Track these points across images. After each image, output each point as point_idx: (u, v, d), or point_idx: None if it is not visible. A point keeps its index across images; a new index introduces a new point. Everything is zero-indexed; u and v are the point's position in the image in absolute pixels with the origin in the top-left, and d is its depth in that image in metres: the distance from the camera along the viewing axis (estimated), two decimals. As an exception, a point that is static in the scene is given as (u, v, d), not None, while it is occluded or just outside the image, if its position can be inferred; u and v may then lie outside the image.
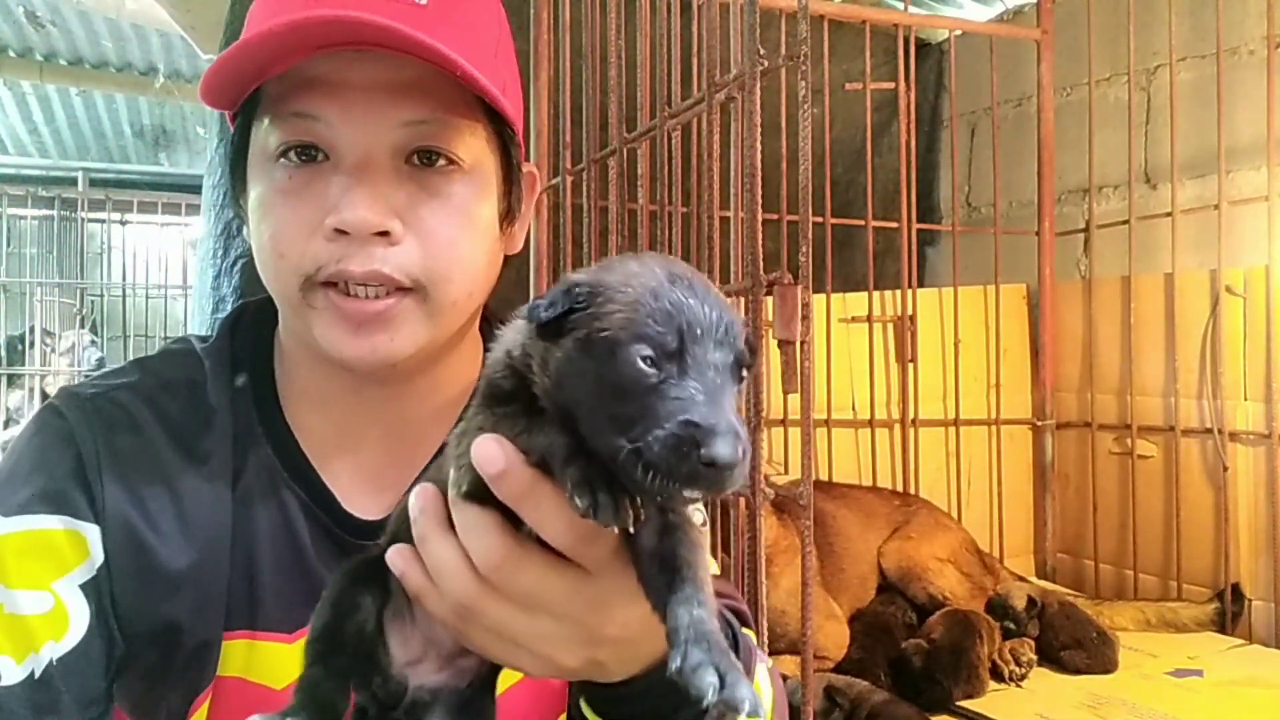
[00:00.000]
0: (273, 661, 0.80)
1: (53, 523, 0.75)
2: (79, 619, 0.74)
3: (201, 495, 0.79)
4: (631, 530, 0.51)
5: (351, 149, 0.74)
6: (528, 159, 0.89)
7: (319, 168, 0.74)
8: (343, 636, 0.63)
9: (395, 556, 0.62)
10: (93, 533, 0.75)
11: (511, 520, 0.57)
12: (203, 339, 0.88)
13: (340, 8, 0.69)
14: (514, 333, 0.59)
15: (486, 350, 0.92)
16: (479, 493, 0.56)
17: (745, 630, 0.82)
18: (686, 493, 0.49)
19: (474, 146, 0.78)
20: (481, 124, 0.79)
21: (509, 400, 0.57)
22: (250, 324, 0.88)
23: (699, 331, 0.50)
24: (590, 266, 0.57)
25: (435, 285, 0.76)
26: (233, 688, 0.79)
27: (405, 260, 0.74)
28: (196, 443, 0.80)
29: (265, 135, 0.75)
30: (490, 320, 0.95)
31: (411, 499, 0.62)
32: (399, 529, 0.65)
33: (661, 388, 0.49)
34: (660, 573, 0.54)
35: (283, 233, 0.75)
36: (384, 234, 0.73)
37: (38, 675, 0.71)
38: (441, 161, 0.76)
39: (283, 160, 0.75)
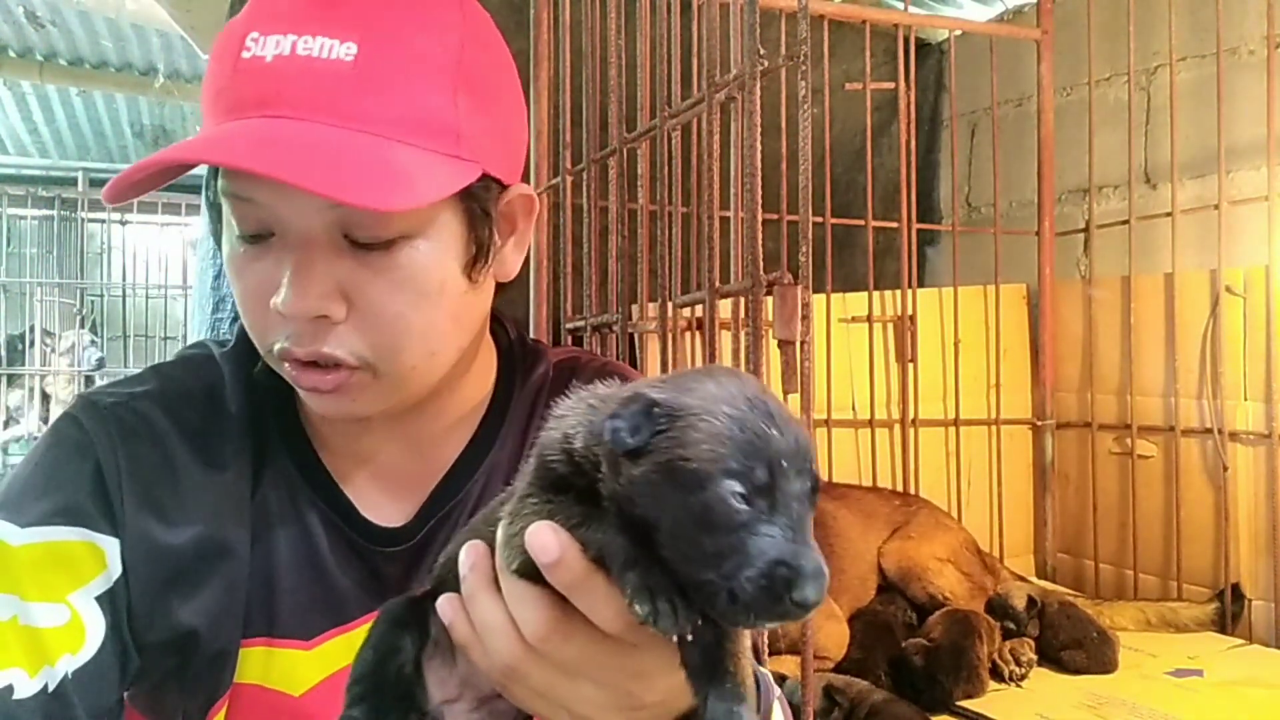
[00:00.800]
0: (291, 668, 0.80)
1: (70, 535, 0.74)
2: (95, 632, 0.74)
3: (221, 504, 0.79)
4: (690, 638, 0.51)
5: (289, 229, 0.71)
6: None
7: (268, 245, 0.73)
8: (384, 678, 0.64)
9: (445, 606, 0.63)
10: (111, 545, 0.75)
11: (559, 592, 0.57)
12: (220, 343, 0.87)
13: (263, 80, 0.68)
14: (574, 418, 0.57)
15: (500, 353, 0.92)
16: (529, 571, 0.56)
17: (760, 669, 0.82)
18: (762, 624, 0.50)
19: (418, 214, 0.71)
20: None
21: (564, 487, 0.57)
22: None
23: (784, 464, 0.51)
24: (661, 380, 0.56)
25: (384, 361, 0.74)
26: (251, 694, 0.79)
27: (348, 340, 0.72)
28: (216, 450, 0.80)
29: (226, 207, 0.74)
30: (505, 329, 0.94)
31: (462, 555, 0.62)
32: (446, 575, 0.65)
33: (752, 524, 0.49)
34: (703, 660, 0.55)
35: (243, 304, 0.75)
36: (324, 316, 0.71)
37: (51, 689, 0.71)
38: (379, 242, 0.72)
39: (239, 235, 0.74)
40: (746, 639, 0.58)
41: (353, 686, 0.64)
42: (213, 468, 0.79)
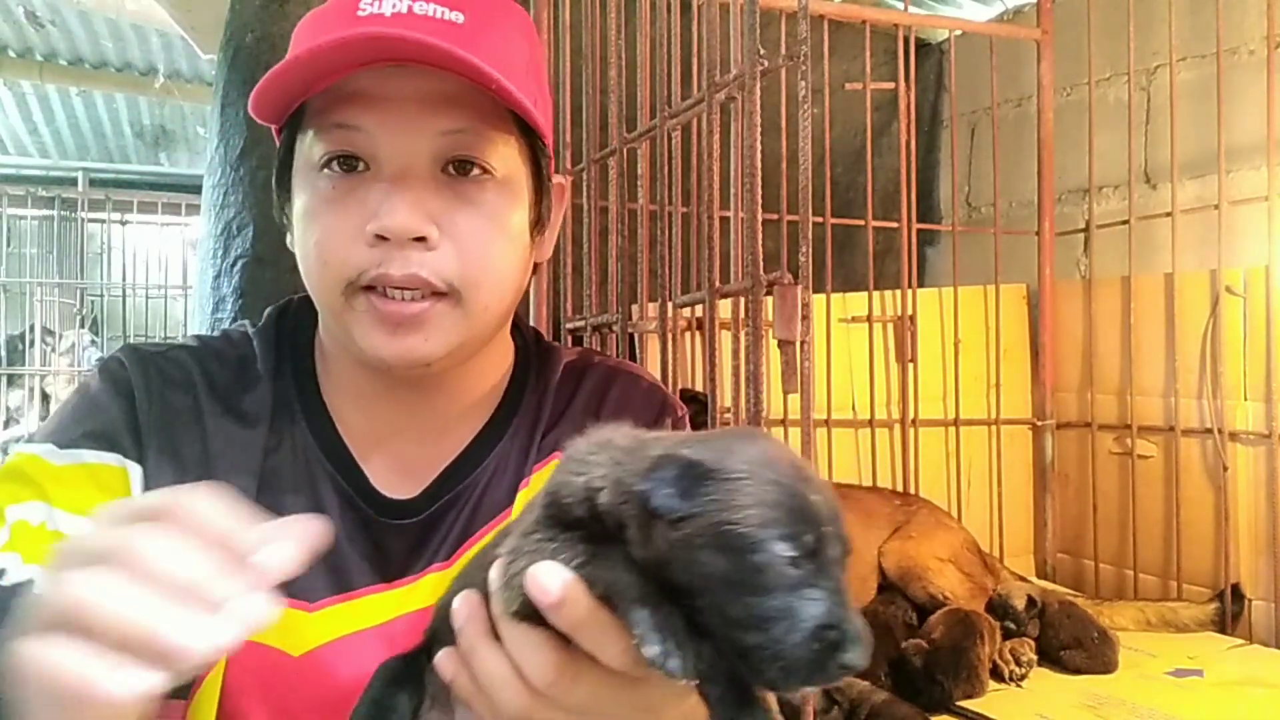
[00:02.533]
0: (291, 628, 0.81)
1: (106, 459, 0.79)
2: None
3: (231, 455, 0.82)
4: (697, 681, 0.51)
5: (391, 158, 0.77)
6: (556, 170, 0.92)
7: (360, 177, 0.78)
8: None
9: (445, 662, 0.62)
10: (136, 472, 0.80)
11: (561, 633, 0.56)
12: (255, 325, 0.93)
13: (383, 26, 0.74)
14: (599, 470, 0.57)
15: (516, 350, 0.96)
16: (530, 613, 0.55)
17: None
18: (802, 686, 0.50)
19: (507, 157, 0.81)
20: (514, 136, 0.82)
21: (574, 526, 0.56)
22: (295, 315, 0.92)
23: (827, 529, 0.51)
24: (689, 440, 0.56)
25: (469, 290, 0.79)
26: (250, 650, 0.80)
27: (441, 265, 0.77)
28: (239, 408, 0.84)
29: (310, 147, 0.79)
30: (521, 327, 0.98)
31: (455, 606, 0.61)
32: (440, 628, 0.64)
33: (801, 588, 0.50)
34: (727, 690, 0.54)
35: (327, 239, 0.78)
36: (421, 239, 0.76)
37: None
38: (475, 171, 0.79)
39: (326, 170, 0.78)
40: None
41: None
42: (232, 421, 0.84)
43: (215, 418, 0.83)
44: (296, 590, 0.81)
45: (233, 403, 0.84)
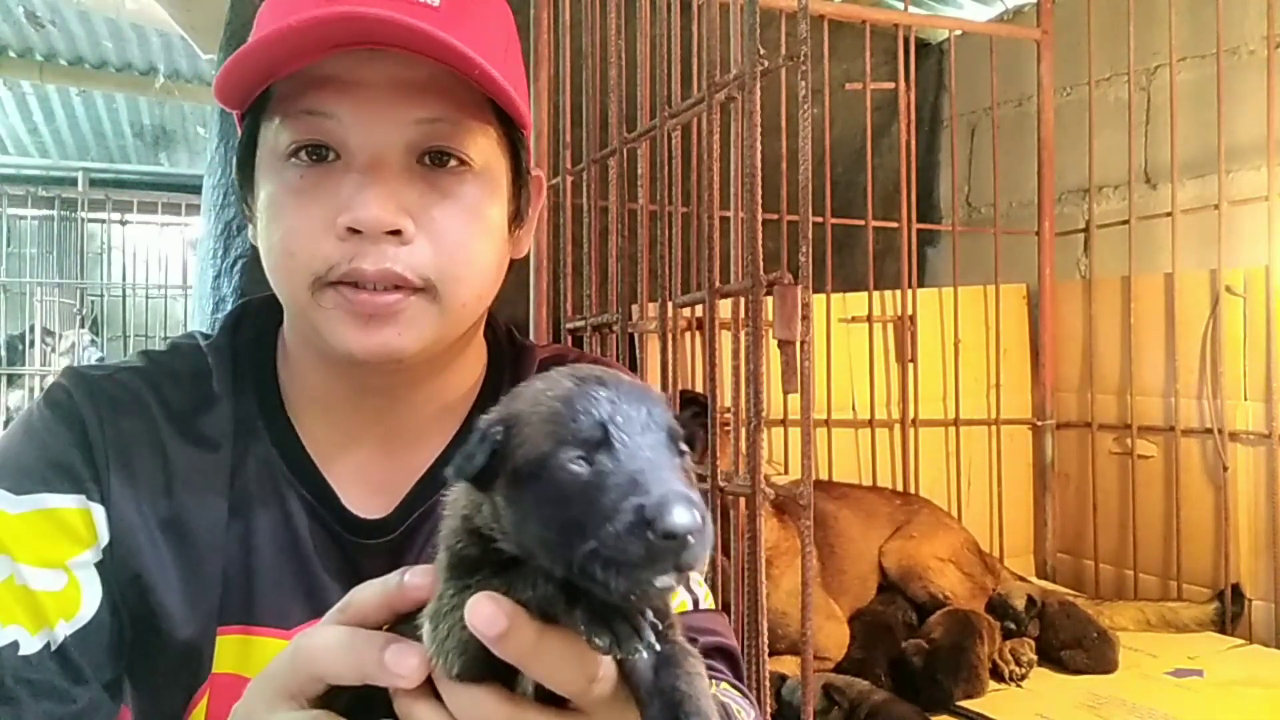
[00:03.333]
0: (268, 657, 0.79)
1: (66, 501, 0.75)
2: (91, 597, 0.74)
3: (200, 484, 0.79)
4: (658, 647, 0.50)
5: (364, 147, 0.74)
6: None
7: (330, 167, 0.75)
8: None
9: None
10: (100, 513, 0.76)
11: (504, 681, 0.54)
12: (206, 335, 0.88)
13: (357, 6, 0.69)
14: (463, 496, 0.56)
15: (489, 348, 0.92)
16: (472, 671, 0.52)
17: (727, 687, 0.81)
18: (657, 580, 0.46)
19: (485, 148, 0.78)
20: (492, 125, 0.79)
21: (478, 567, 0.53)
22: (252, 323, 0.88)
23: (620, 420, 0.49)
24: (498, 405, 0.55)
25: (445, 285, 0.76)
26: (227, 684, 0.78)
27: (417, 260, 0.74)
28: (198, 431, 0.80)
29: (276, 135, 0.75)
30: (494, 325, 0.94)
31: (388, 661, 0.55)
32: (373, 693, 0.57)
33: (599, 482, 0.48)
34: (663, 711, 0.53)
35: (294, 232, 0.74)
36: (396, 233, 0.73)
37: (54, 649, 0.72)
38: (453, 162, 0.76)
39: (294, 160, 0.75)
40: (703, 678, 0.55)
41: None
42: (195, 447, 0.80)
43: (175, 443, 0.79)
44: (270, 618, 0.79)
45: (192, 426, 0.80)
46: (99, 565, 0.75)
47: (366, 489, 0.84)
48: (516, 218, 0.85)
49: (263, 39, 0.70)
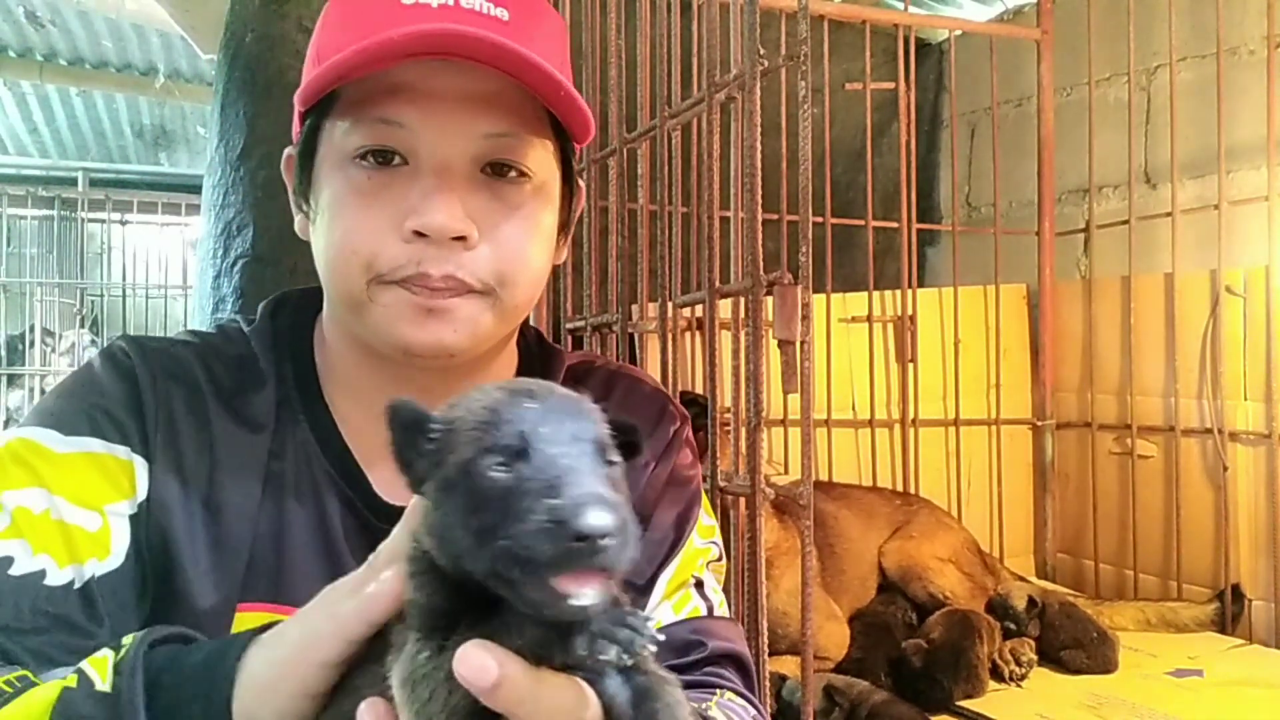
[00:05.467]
0: None
1: (113, 450, 0.77)
2: (120, 545, 0.75)
3: (238, 461, 0.81)
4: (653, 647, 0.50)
5: (432, 155, 0.76)
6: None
7: (397, 171, 0.77)
8: None
9: None
10: (142, 468, 0.78)
11: None
12: (248, 321, 0.90)
13: (429, 18, 0.73)
14: (417, 513, 0.57)
15: (519, 352, 0.94)
16: None
17: (732, 697, 0.81)
18: (572, 588, 0.46)
19: (543, 160, 0.81)
20: (550, 139, 0.82)
21: (454, 621, 0.51)
22: (291, 311, 0.90)
23: (545, 430, 0.50)
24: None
25: (505, 289, 0.79)
26: None
27: (479, 265, 0.77)
28: (243, 406, 0.83)
29: (344, 136, 0.77)
30: (524, 329, 0.96)
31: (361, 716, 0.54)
32: None
33: (517, 486, 0.48)
34: None
35: (357, 230, 0.77)
36: (461, 239, 0.76)
37: (78, 586, 0.73)
38: (513, 173, 0.79)
39: (361, 162, 0.77)
40: (684, 707, 0.55)
41: None
42: (238, 425, 0.82)
43: (222, 421, 0.82)
44: (298, 600, 0.77)
45: (238, 405, 0.83)
46: (133, 518, 0.77)
47: (399, 480, 0.85)
48: (564, 226, 0.88)
49: (362, 49, 0.72)
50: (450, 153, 0.76)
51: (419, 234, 0.75)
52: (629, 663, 0.50)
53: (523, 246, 0.80)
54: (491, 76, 0.75)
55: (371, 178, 0.77)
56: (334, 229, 0.78)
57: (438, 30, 0.72)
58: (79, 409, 0.78)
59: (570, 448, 0.50)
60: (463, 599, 0.52)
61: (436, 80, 0.75)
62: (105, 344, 0.88)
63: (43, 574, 0.71)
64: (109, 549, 0.75)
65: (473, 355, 0.82)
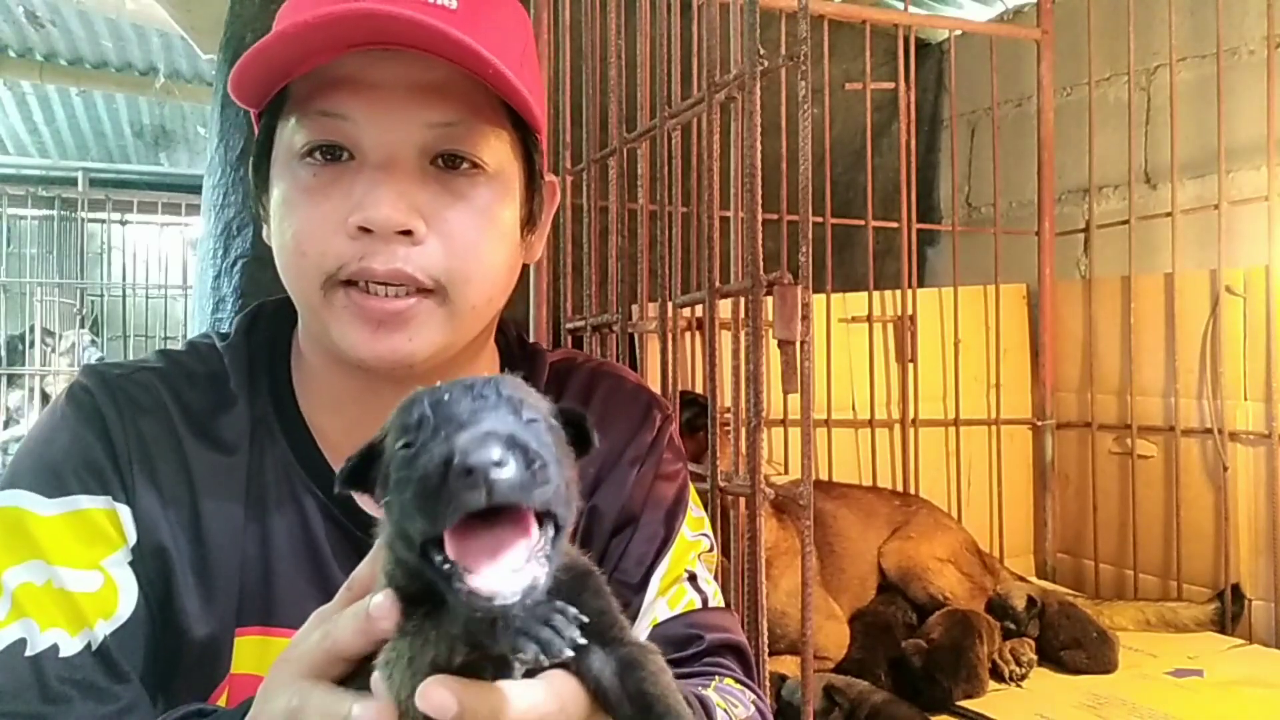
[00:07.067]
0: None
1: (96, 503, 0.75)
2: (128, 595, 0.75)
3: (216, 486, 0.79)
4: (581, 641, 0.49)
5: (377, 148, 0.74)
6: (555, 170, 0.89)
7: (344, 167, 0.75)
8: None
9: None
10: (126, 513, 0.76)
11: None
12: (223, 335, 0.88)
13: (373, 3, 0.70)
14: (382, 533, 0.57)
15: (500, 354, 0.92)
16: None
17: (731, 683, 0.81)
18: (491, 585, 0.46)
19: (498, 151, 0.78)
20: (506, 129, 0.79)
21: (415, 605, 0.53)
22: (267, 323, 0.88)
23: (446, 399, 0.50)
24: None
25: (456, 287, 0.76)
26: (247, 685, 0.78)
27: (427, 260, 0.74)
28: (215, 430, 0.81)
29: (291, 134, 0.76)
30: (505, 330, 0.95)
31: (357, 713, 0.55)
32: None
33: (418, 452, 0.48)
34: (636, 717, 0.54)
35: (306, 230, 0.75)
36: (407, 233, 0.73)
37: (95, 648, 0.72)
38: (465, 165, 0.76)
39: (308, 159, 0.75)
40: (668, 674, 0.55)
41: None
42: (212, 450, 0.80)
43: (194, 446, 0.79)
44: (289, 620, 0.79)
45: (209, 428, 0.81)
46: (131, 564, 0.76)
47: None
48: (529, 222, 0.85)
49: (279, 34, 0.70)
50: (395, 144, 0.74)
51: (364, 229, 0.73)
52: (545, 664, 0.50)
53: (475, 241, 0.76)
54: (437, 65, 0.73)
55: (318, 175, 0.75)
56: (285, 231, 0.76)
57: (366, 9, 0.69)
58: (54, 465, 0.75)
59: (472, 404, 0.50)
60: (423, 586, 0.52)
61: (378, 70, 0.73)
62: (105, 347, 0.87)
63: (56, 649, 0.71)
64: (115, 604, 0.74)
65: (437, 362, 0.79)
